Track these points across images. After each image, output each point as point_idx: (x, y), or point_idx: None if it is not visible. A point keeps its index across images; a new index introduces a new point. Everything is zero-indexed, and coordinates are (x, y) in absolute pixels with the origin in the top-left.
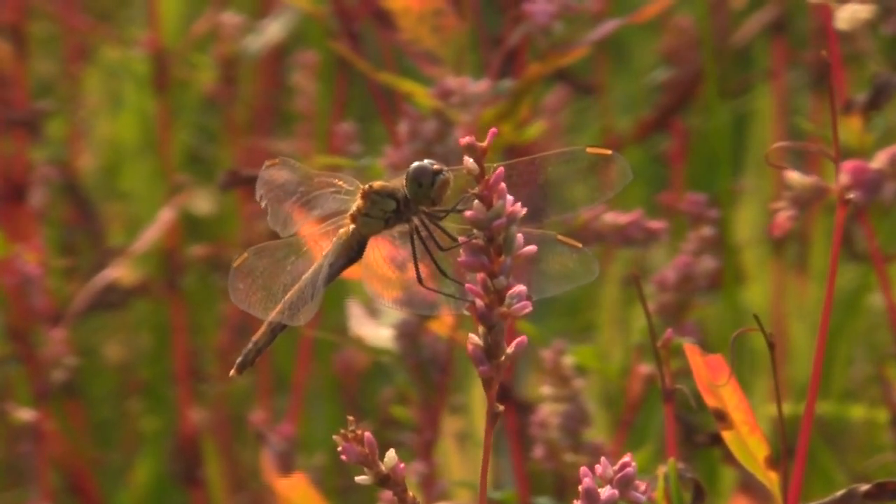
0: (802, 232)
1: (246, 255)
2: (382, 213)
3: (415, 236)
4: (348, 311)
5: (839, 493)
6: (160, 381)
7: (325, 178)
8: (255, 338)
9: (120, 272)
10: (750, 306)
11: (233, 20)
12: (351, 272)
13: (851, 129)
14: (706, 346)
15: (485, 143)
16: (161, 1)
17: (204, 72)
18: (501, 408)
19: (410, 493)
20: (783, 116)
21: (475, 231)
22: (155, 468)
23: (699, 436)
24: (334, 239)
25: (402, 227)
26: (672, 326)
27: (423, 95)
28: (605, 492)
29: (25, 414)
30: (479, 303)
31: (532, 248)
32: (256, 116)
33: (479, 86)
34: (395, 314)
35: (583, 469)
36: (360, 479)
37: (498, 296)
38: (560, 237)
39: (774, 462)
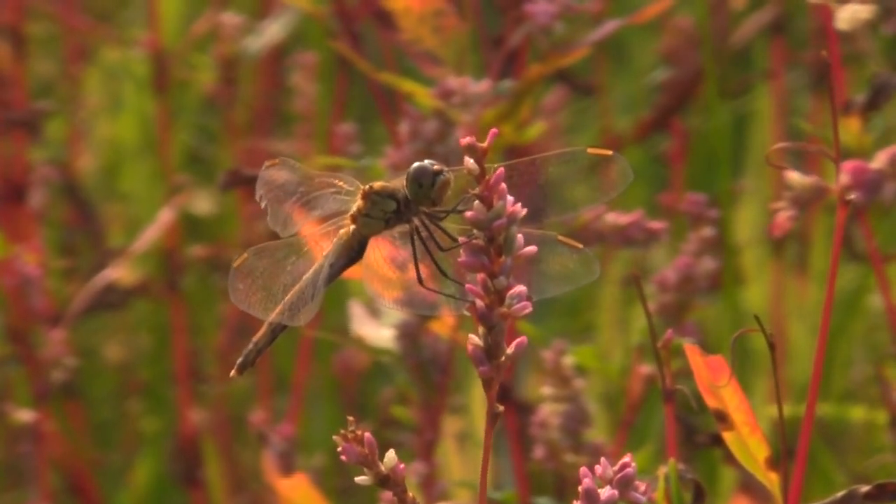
0: (802, 232)
1: (246, 255)
2: (383, 213)
3: (415, 237)
4: (350, 311)
5: (839, 494)
6: (160, 381)
7: (325, 178)
8: (255, 338)
9: (120, 273)
10: (749, 307)
11: (233, 21)
12: (351, 272)
13: (851, 129)
14: (705, 347)
15: (485, 144)
16: (161, 1)
17: (204, 72)
18: (501, 408)
19: (410, 494)
20: (782, 117)
21: (475, 231)
22: (155, 469)
23: (699, 436)
24: (334, 239)
25: (403, 228)
26: (672, 327)
27: (424, 96)
28: (605, 492)
29: (25, 415)
30: (480, 303)
31: (532, 248)
32: (256, 117)
33: (480, 86)
34: (396, 314)
35: (582, 469)
36: (359, 479)
37: (498, 296)
38: (560, 238)
39: (775, 463)
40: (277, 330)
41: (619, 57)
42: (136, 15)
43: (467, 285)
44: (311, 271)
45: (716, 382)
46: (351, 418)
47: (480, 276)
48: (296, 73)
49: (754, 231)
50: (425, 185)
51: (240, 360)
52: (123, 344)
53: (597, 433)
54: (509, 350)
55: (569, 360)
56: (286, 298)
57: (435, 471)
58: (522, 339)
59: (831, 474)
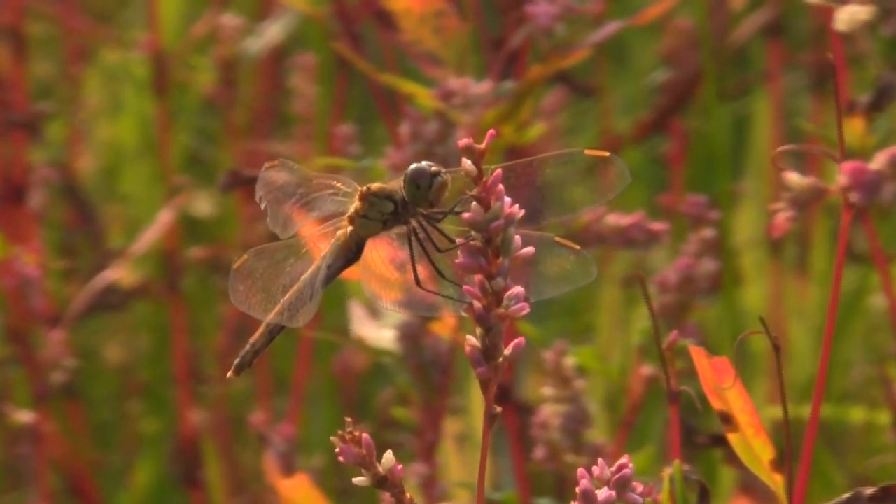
0: (802, 233)
1: (246, 257)
2: (380, 214)
3: (413, 238)
4: (350, 311)
5: (845, 496)
6: (160, 382)
7: (323, 179)
8: (252, 339)
9: (119, 274)
10: (748, 308)
11: (232, 22)
12: (350, 273)
13: (854, 130)
14: (705, 348)
15: (483, 145)
16: (160, 3)
17: (203, 74)
18: (499, 409)
19: (408, 495)
20: (782, 118)
21: (473, 233)
22: (155, 470)
23: (699, 437)
24: (332, 240)
25: (401, 229)
26: (673, 328)
27: (424, 97)
28: (603, 493)
29: (25, 416)
30: (477, 304)
31: (530, 249)
32: (256, 118)
33: (481, 87)
34: (396, 315)
35: (580, 470)
36: (357, 480)
37: (496, 297)
38: (558, 239)
39: (779, 464)
40: (275, 331)
41: (619, 58)
42: (136, 16)
43: (465, 286)
44: (309, 272)
45: (721, 384)
46: (349, 419)
47: (478, 277)
48: (295, 75)
49: (753, 232)
50: (423, 187)
51: (237, 360)
52: (123, 345)
53: (597, 434)
54: (507, 351)
55: (569, 361)
56: (284, 299)
57: (435, 472)
58: (520, 340)
59: (831, 475)
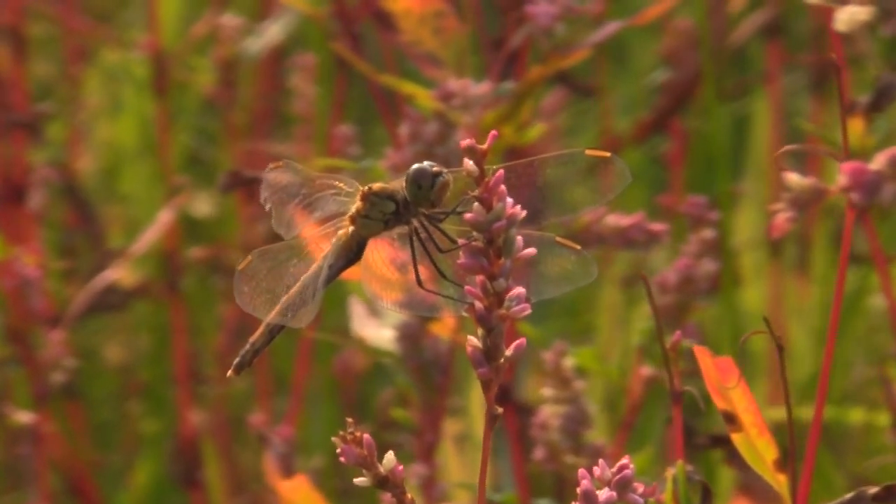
0: (802, 234)
1: (250, 258)
2: (381, 214)
3: (414, 238)
4: (350, 311)
5: (848, 496)
6: (160, 382)
7: (325, 179)
8: (252, 339)
9: (119, 274)
10: (748, 308)
11: (232, 22)
12: (351, 273)
13: (854, 131)
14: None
15: (485, 146)
16: (160, 3)
17: (203, 74)
18: (500, 410)
19: (409, 495)
20: (781, 119)
21: (475, 233)
22: (155, 470)
23: (699, 438)
24: (333, 240)
25: (402, 229)
26: (672, 328)
27: (424, 97)
28: (604, 494)
29: (25, 416)
30: (479, 305)
31: (531, 250)
32: (256, 119)
33: (481, 88)
34: (396, 315)
35: (581, 471)
36: (358, 480)
37: (497, 298)
38: (559, 239)
39: (782, 464)
40: (275, 330)
41: (619, 58)
42: (136, 16)
43: (466, 287)
44: (310, 273)
45: (725, 384)
46: (350, 420)
47: (479, 277)
48: (295, 75)
49: (753, 233)
50: (424, 187)
51: (237, 360)
52: (123, 345)
53: (597, 435)
54: (508, 352)
55: (569, 362)
56: (284, 299)
57: (435, 472)
58: (521, 340)
59: (831, 476)
